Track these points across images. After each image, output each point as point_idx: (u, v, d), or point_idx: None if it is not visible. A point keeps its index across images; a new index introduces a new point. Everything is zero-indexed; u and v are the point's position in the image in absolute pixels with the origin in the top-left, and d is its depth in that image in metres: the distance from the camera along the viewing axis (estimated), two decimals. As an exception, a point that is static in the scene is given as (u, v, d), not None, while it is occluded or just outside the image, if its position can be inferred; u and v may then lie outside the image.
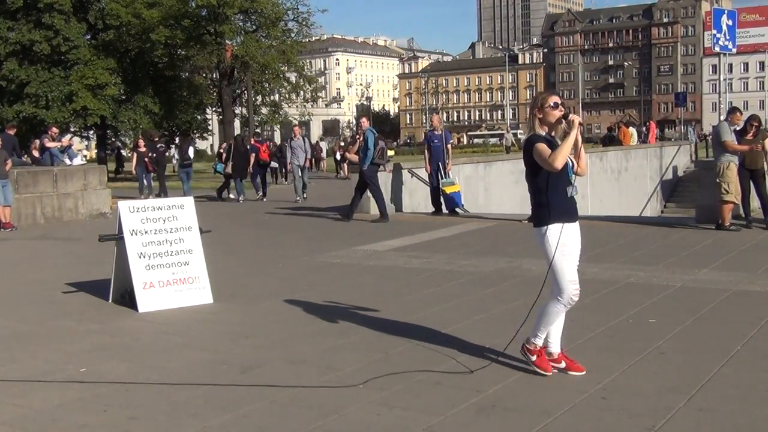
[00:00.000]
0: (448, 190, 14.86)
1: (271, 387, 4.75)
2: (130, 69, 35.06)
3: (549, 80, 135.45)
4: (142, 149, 21.30)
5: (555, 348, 4.89)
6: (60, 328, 6.48)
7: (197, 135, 41.38)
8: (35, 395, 4.75)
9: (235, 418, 4.27)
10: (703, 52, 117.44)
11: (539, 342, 4.83)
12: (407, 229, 12.61)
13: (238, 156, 19.73)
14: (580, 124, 4.61)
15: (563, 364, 4.87)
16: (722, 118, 12.47)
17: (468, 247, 10.61)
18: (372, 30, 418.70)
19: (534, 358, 4.83)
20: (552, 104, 4.64)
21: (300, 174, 19.79)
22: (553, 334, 4.86)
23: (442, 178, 14.77)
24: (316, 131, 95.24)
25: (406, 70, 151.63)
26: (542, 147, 4.56)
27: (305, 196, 19.86)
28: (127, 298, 7.20)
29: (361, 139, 15.61)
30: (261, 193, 20.72)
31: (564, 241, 4.63)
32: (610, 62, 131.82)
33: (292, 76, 38.98)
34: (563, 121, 4.64)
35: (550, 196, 4.64)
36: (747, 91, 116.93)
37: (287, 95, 41.04)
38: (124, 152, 44.55)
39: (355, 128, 20.40)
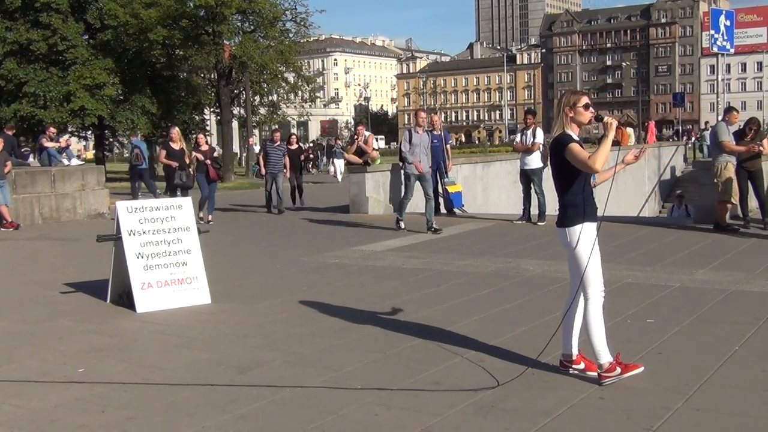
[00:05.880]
0: (452, 189, 14.92)
1: (270, 387, 4.74)
2: (127, 69, 35.06)
3: (547, 80, 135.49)
4: (204, 147, 15.19)
5: (574, 350, 4.79)
6: (58, 329, 6.48)
7: (195, 135, 41.35)
8: (33, 395, 4.74)
9: (233, 418, 4.26)
10: (701, 53, 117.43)
11: (606, 357, 4.63)
12: (405, 230, 12.59)
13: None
14: (618, 127, 4.57)
15: (582, 365, 4.78)
16: (720, 118, 12.49)
17: (466, 248, 10.61)
18: (370, 30, 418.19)
19: (617, 372, 4.62)
20: (584, 105, 4.65)
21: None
22: (574, 336, 4.77)
23: (443, 178, 14.79)
24: (314, 131, 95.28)
25: (405, 71, 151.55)
26: (577, 148, 4.57)
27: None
28: (125, 298, 7.19)
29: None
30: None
31: (592, 240, 4.64)
32: (608, 62, 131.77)
33: (290, 77, 38.98)
34: (594, 122, 4.67)
35: (584, 195, 4.65)
36: (745, 91, 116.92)
37: (285, 95, 41.09)
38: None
39: (353, 128, 20.09)
